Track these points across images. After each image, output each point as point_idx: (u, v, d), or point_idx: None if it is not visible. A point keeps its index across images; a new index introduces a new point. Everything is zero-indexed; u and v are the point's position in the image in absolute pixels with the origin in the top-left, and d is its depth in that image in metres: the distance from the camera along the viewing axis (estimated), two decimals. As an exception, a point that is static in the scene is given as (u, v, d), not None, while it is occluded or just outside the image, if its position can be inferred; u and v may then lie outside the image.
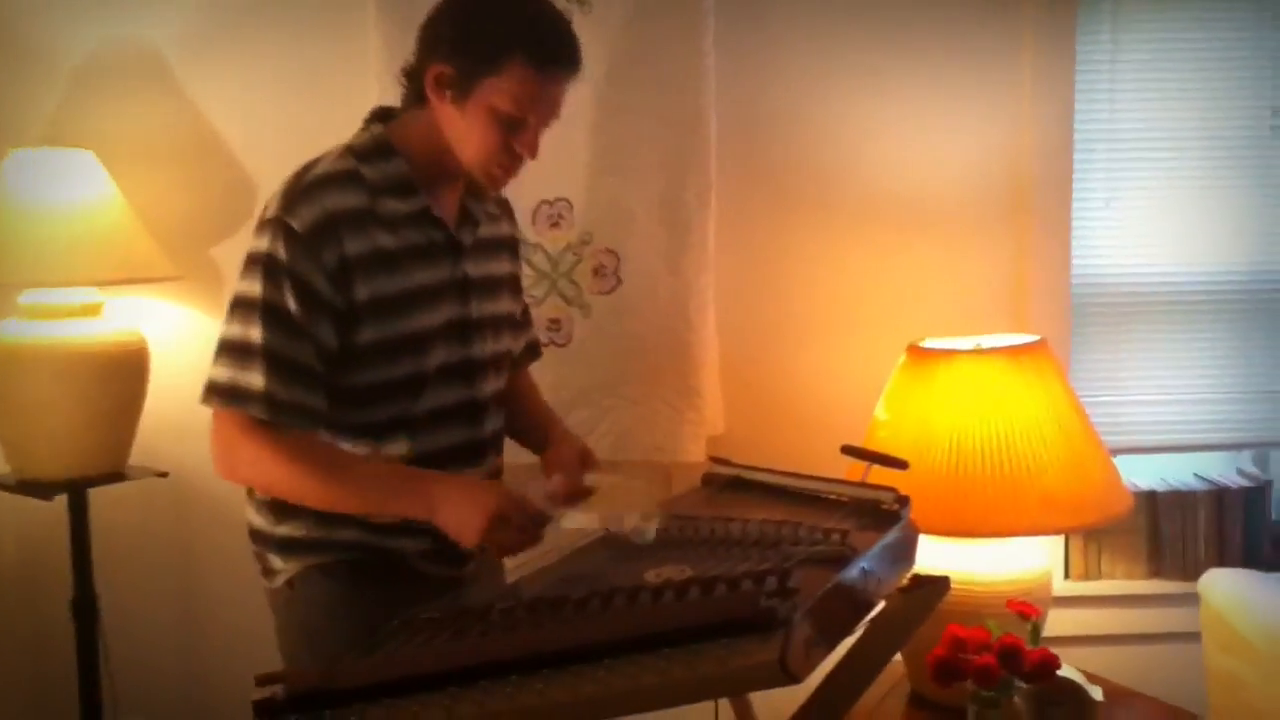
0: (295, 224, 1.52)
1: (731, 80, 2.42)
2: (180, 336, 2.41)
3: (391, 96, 2.26)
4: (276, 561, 1.69)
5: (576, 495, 1.68)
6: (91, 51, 2.37)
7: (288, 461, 1.55)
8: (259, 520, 1.71)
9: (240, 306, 1.56)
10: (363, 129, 1.68)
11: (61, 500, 2.18)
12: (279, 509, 1.67)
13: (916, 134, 2.50)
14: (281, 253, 1.52)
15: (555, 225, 2.39)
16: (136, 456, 2.26)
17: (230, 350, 1.55)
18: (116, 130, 2.35)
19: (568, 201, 2.38)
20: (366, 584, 1.64)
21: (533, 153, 1.63)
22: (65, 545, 2.22)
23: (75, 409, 2.12)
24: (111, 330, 2.20)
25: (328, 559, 1.66)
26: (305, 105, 2.39)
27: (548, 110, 1.62)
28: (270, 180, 2.35)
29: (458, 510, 1.53)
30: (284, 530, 1.67)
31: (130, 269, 2.20)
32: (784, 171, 2.49)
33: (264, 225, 1.56)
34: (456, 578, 1.70)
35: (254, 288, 1.54)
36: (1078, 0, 2.49)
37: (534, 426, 1.88)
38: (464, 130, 1.59)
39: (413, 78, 1.64)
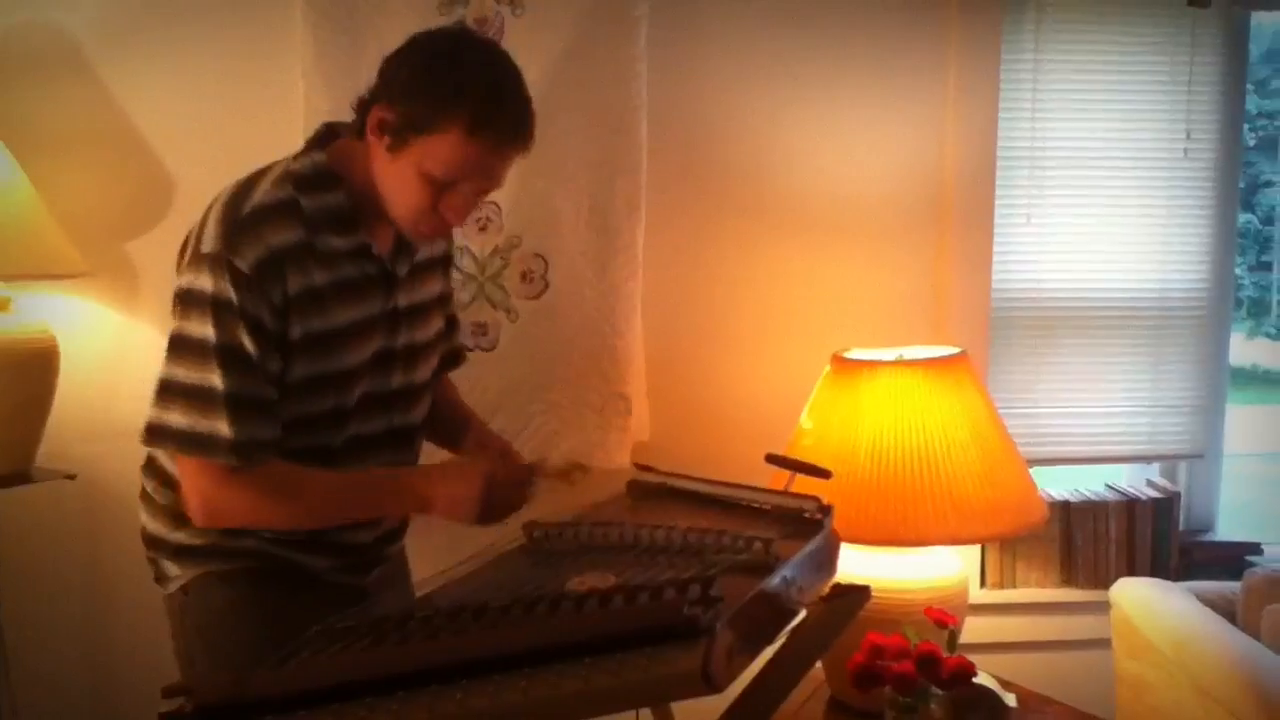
0: (240, 264, 1.46)
1: (663, 86, 2.42)
2: (91, 334, 2.34)
3: (319, 96, 2.27)
4: (171, 568, 1.65)
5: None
6: (2, 36, 2.28)
7: (269, 496, 1.54)
8: (154, 525, 1.66)
9: (190, 349, 1.49)
10: (304, 151, 1.60)
11: (-38, 501, 2.11)
12: (175, 515, 1.62)
13: (844, 144, 2.52)
14: (230, 294, 1.46)
15: (483, 229, 2.37)
16: (43, 457, 2.19)
17: (185, 394, 1.49)
18: (27, 118, 2.27)
19: (496, 205, 2.36)
20: (265, 591, 1.61)
21: (459, 219, 1.58)
22: (-35, 548, 2.14)
23: (-22, 407, 2.05)
24: (19, 326, 2.12)
25: (226, 566, 1.62)
26: (227, 99, 2.34)
27: (485, 180, 1.56)
28: (188, 176, 2.33)
29: (451, 493, 1.55)
30: (180, 537, 1.63)
31: (39, 264, 2.12)
32: (713, 178, 2.50)
33: (203, 260, 1.48)
34: (360, 586, 1.67)
35: (205, 330, 1.47)
36: (1002, 20, 2.54)
37: (451, 424, 1.85)
38: (393, 181, 1.54)
39: (360, 110, 1.57)
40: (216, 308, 1.47)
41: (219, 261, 1.46)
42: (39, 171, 2.19)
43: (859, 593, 1.57)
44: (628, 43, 2.36)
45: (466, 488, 1.54)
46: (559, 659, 1.15)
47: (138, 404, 2.27)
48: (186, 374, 1.49)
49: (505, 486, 1.57)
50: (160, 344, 2.26)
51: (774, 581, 1.37)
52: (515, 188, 2.34)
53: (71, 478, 2.20)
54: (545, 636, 1.17)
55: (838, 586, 1.58)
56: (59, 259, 2.14)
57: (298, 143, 2.12)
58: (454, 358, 1.93)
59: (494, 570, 1.55)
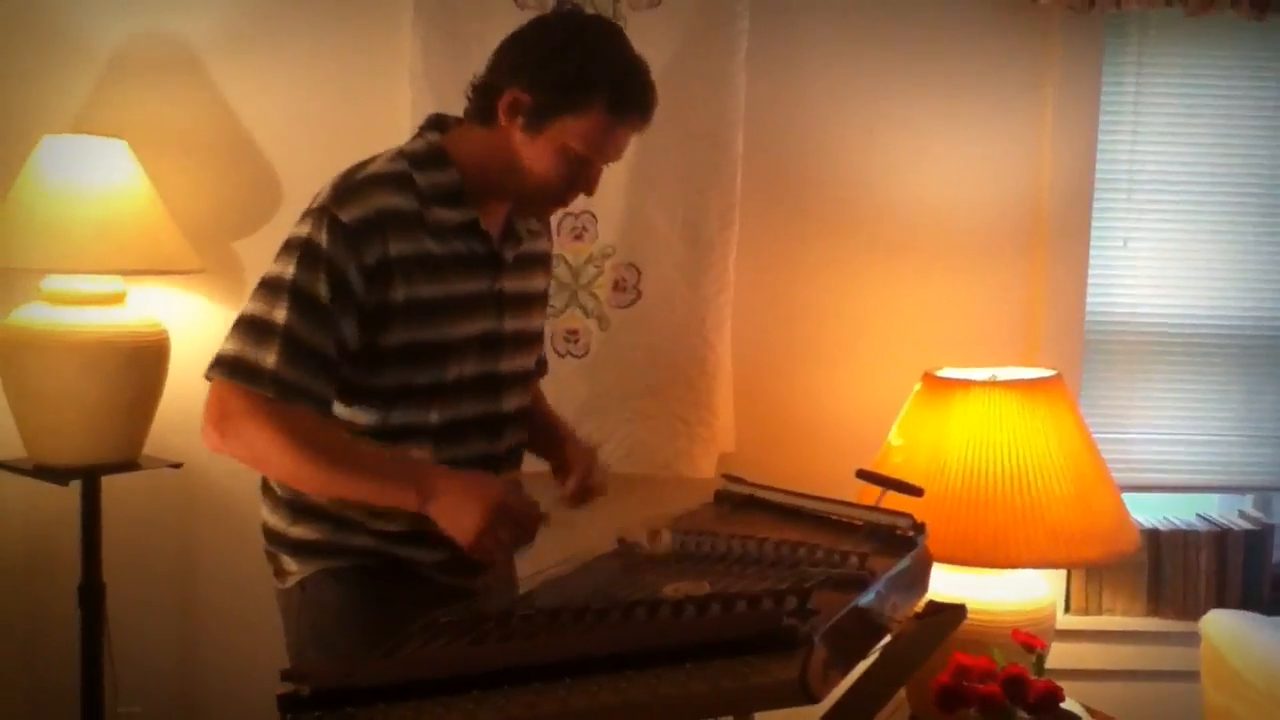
0: (343, 216, 1.51)
1: (760, 101, 2.44)
2: (200, 329, 2.41)
3: (426, 101, 2.33)
4: (289, 563, 1.68)
5: (587, 496, 1.70)
6: (126, 42, 2.39)
7: (284, 439, 1.49)
8: (274, 520, 1.70)
9: (268, 286, 1.53)
10: (417, 135, 1.67)
11: (73, 486, 2.19)
12: (296, 510, 1.66)
13: (940, 162, 2.52)
14: (323, 241, 1.50)
15: (578, 237, 2.41)
16: (151, 447, 2.27)
17: (248, 325, 1.52)
18: (147, 121, 2.36)
19: (592, 214, 2.40)
20: (377, 590, 1.63)
21: (591, 191, 1.66)
22: (74, 531, 2.23)
23: (93, 397, 2.13)
24: (133, 319, 2.21)
25: (340, 563, 1.65)
26: (335, 104, 2.41)
27: (615, 153, 1.64)
28: (296, 178, 2.41)
29: (454, 506, 1.50)
30: (298, 532, 1.66)
31: (155, 260, 2.21)
32: (807, 194, 2.51)
33: (309, 212, 1.54)
34: (469, 588, 1.69)
35: (287, 269, 1.51)
36: (1103, 40, 2.52)
37: (543, 432, 1.86)
38: (530, 159, 1.59)
39: (483, 94, 1.62)
40: (305, 251, 1.51)
41: (323, 212, 1.52)
42: (157, 172, 2.28)
43: (955, 611, 1.57)
44: (727, 57, 2.39)
45: (469, 512, 1.49)
46: (656, 663, 1.17)
47: None
48: (255, 308, 1.53)
49: (507, 526, 1.51)
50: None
51: (868, 597, 1.38)
52: (611, 199, 2.38)
53: (177, 467, 2.29)
54: (644, 640, 1.19)
55: (933, 604, 1.58)
56: (175, 256, 2.23)
57: (403, 147, 2.21)
58: (541, 365, 1.95)
59: (587, 574, 1.57)
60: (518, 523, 1.53)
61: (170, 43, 2.39)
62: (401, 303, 1.55)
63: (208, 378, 1.54)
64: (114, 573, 2.28)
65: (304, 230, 1.53)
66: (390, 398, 1.60)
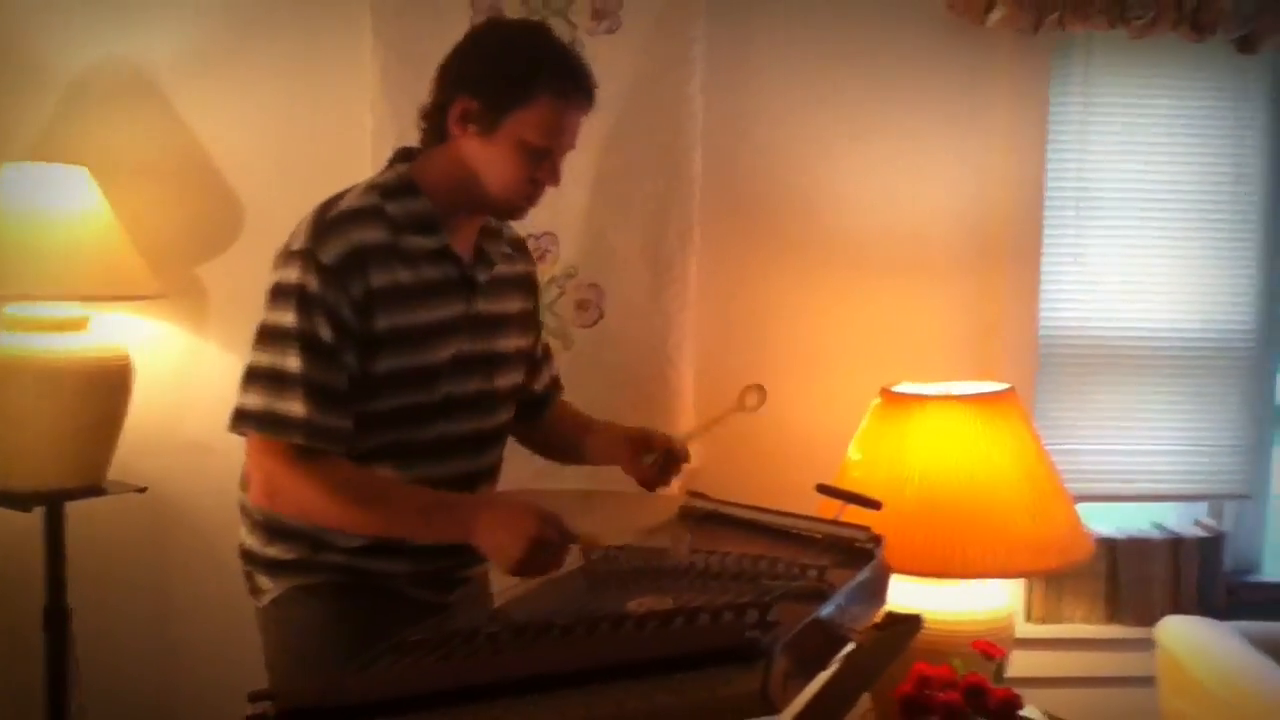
0: (324, 257, 1.57)
1: (718, 123, 2.48)
2: (163, 353, 2.42)
3: (386, 126, 2.35)
4: (264, 581, 1.72)
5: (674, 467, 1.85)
6: (87, 68, 2.39)
7: (329, 491, 1.58)
8: (251, 541, 1.74)
9: (272, 336, 1.59)
10: (387, 168, 1.73)
11: (38, 511, 2.18)
12: (271, 531, 1.70)
13: (894, 182, 2.57)
14: (313, 285, 1.56)
15: (541, 259, 2.43)
16: (115, 471, 2.27)
17: (264, 378, 1.58)
18: (108, 147, 2.37)
19: (554, 235, 2.42)
20: (350, 606, 1.67)
21: (556, 180, 1.71)
22: (40, 556, 2.21)
23: (57, 422, 2.13)
24: (96, 345, 2.21)
25: (313, 580, 1.69)
26: (296, 129, 2.43)
27: (569, 139, 1.70)
28: (258, 202, 2.42)
29: (496, 536, 1.56)
30: (273, 551, 1.70)
31: (117, 286, 2.22)
32: (765, 213, 2.55)
33: (291, 257, 1.59)
34: (442, 604, 1.73)
35: (286, 318, 1.57)
36: (1051, 61, 2.58)
37: (573, 435, 1.95)
38: (490, 162, 1.65)
39: (431, 116, 1.69)
40: (300, 298, 1.57)
41: (306, 255, 1.57)
42: (119, 198, 2.28)
43: (911, 622, 1.60)
44: (684, 80, 2.43)
45: (512, 542, 1.55)
46: (621, 677, 1.19)
47: (205, 420, 2.40)
48: (267, 359, 1.59)
49: (547, 550, 1.57)
50: (228, 362, 2.39)
51: (828, 609, 1.41)
52: (572, 220, 2.41)
53: (142, 491, 2.28)
54: (609, 654, 1.21)
55: (890, 615, 1.61)
56: (136, 281, 2.23)
57: (364, 171, 2.21)
58: (556, 383, 2.02)
59: (552, 590, 1.59)
60: (554, 550, 1.58)
61: (130, 68, 2.40)
62: (385, 331, 1.62)
63: (238, 432, 1.61)
64: (80, 598, 2.27)
65: (291, 276, 1.58)
66: (382, 421, 1.65)
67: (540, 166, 1.67)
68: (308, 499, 1.59)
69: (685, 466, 1.89)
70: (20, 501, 2.15)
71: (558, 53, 1.67)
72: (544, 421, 1.95)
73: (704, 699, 1.17)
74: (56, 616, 2.22)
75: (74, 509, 2.23)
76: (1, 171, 2.18)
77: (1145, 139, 2.65)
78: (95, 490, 2.22)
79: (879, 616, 1.60)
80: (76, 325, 2.20)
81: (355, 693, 1.21)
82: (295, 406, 1.56)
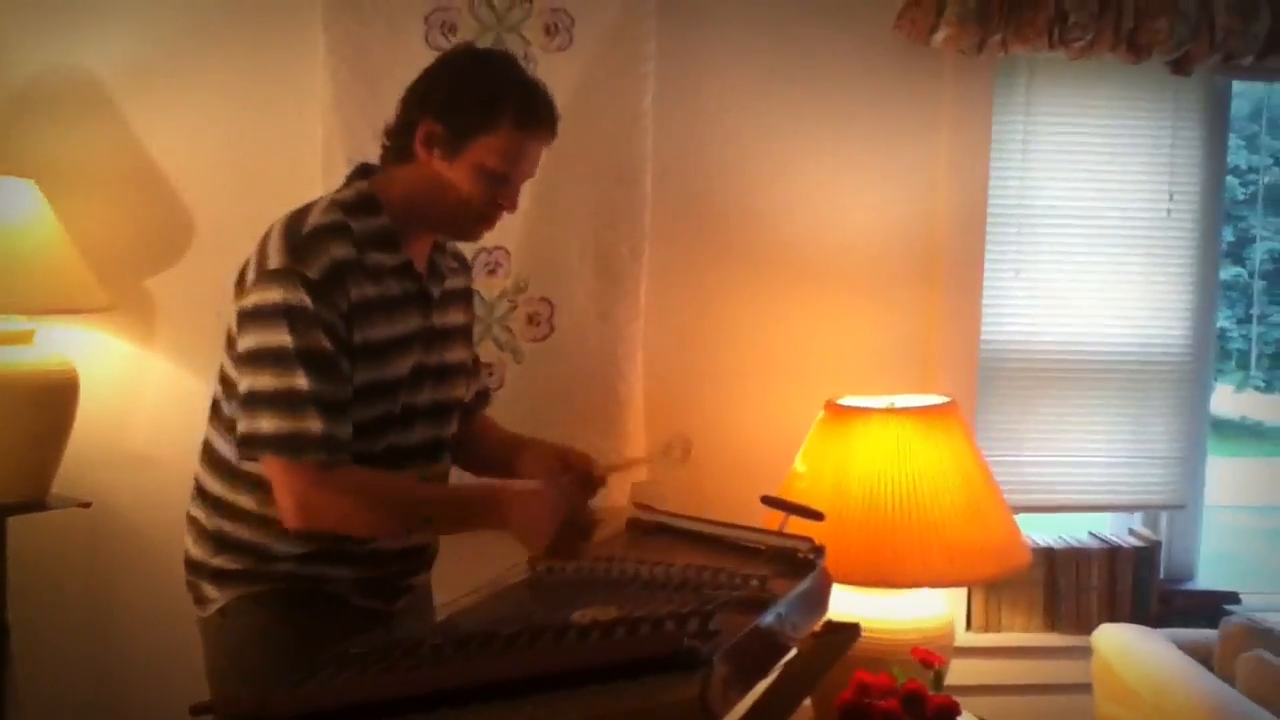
0: (310, 273, 1.59)
1: (668, 139, 2.51)
2: (109, 366, 2.40)
3: (337, 137, 2.36)
4: (210, 590, 1.72)
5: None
6: (33, 77, 2.37)
7: (365, 500, 1.63)
8: (197, 551, 1.74)
9: (269, 358, 1.59)
10: (346, 184, 1.75)
11: (-21, 526, 2.16)
12: (219, 542, 1.71)
13: (841, 198, 2.61)
14: (305, 300, 1.58)
15: (492, 272, 2.45)
16: (59, 485, 2.25)
17: (273, 402, 1.58)
18: (55, 157, 2.34)
19: (505, 250, 2.44)
20: (296, 614, 1.68)
21: (513, 206, 1.76)
22: (-20, 571, 2.19)
23: (1, 435, 2.11)
24: (41, 358, 2.19)
25: (259, 589, 1.70)
26: (247, 140, 2.42)
27: (529, 167, 1.75)
28: (208, 214, 2.41)
29: (529, 516, 1.64)
30: (219, 561, 1.71)
31: (63, 299, 2.20)
32: (715, 227, 2.58)
33: (273, 275, 1.59)
34: (387, 612, 1.74)
35: (281, 338, 1.58)
36: (993, 81, 2.64)
37: (503, 450, 1.96)
38: (451, 185, 1.69)
39: (396, 135, 1.72)
40: (291, 315, 1.58)
41: (289, 273, 1.59)
42: (64, 208, 2.26)
43: (849, 630, 1.64)
44: (636, 97, 2.46)
45: (543, 519, 1.64)
46: (563, 686, 1.21)
47: (152, 433, 2.39)
48: (270, 382, 1.59)
49: (577, 529, 1.66)
50: (175, 376, 2.38)
51: (768, 618, 1.43)
52: (523, 234, 2.43)
53: (87, 505, 2.27)
54: (550, 664, 1.23)
55: (829, 624, 1.65)
56: (82, 294, 2.22)
57: (314, 182, 2.24)
58: (483, 397, 2.05)
59: (498, 602, 1.61)
60: (580, 530, 1.68)
61: (79, 77, 2.38)
62: (359, 346, 1.65)
63: (251, 458, 1.62)
64: (20, 614, 2.24)
65: (274, 296, 1.59)
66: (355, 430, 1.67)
67: (500, 191, 1.72)
68: (346, 513, 1.62)
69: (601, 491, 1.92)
70: (-38, 515, 2.13)
71: (523, 84, 1.71)
72: (469, 433, 1.96)
73: (643, 706, 1.19)
74: (-3, 633, 2.20)
75: (16, 524, 2.20)
76: (-55, 183, 2.16)
77: (1084, 157, 2.72)
78: (38, 505, 2.20)
79: (819, 625, 1.63)
80: (22, 339, 2.19)
81: (298, 703, 1.22)
82: (311, 424, 1.57)
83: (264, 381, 1.59)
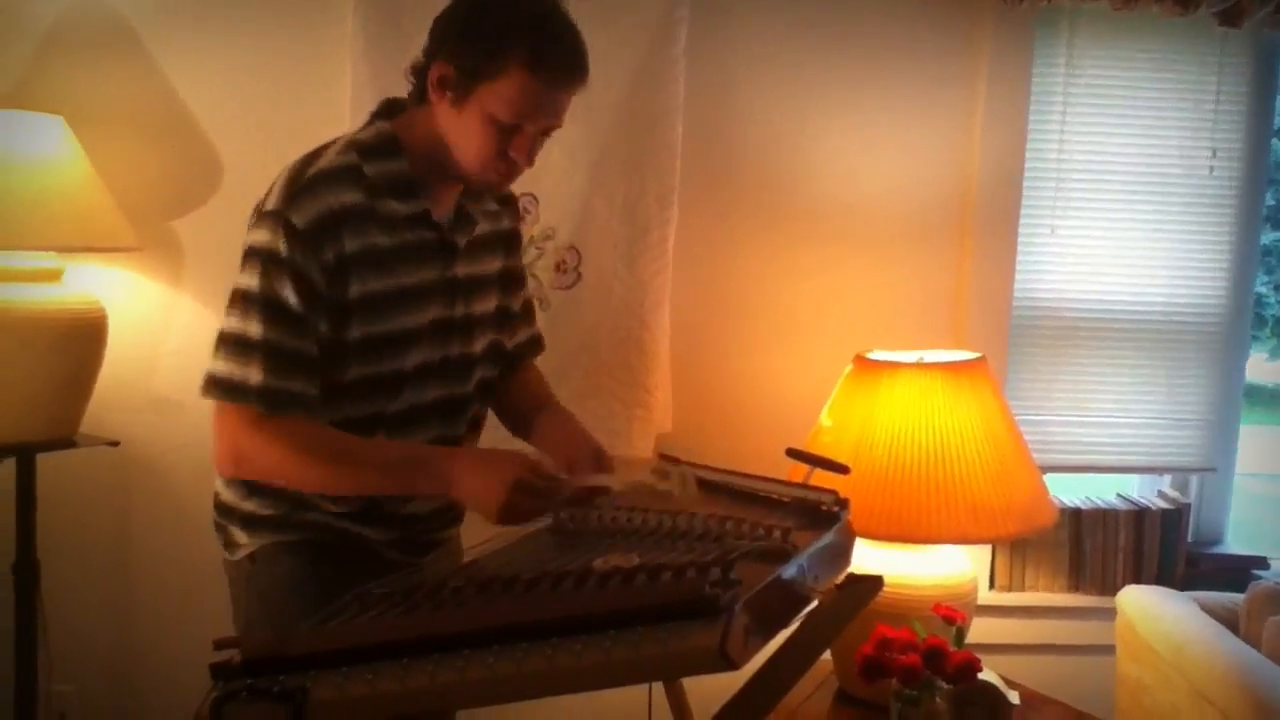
0: (296, 220, 1.52)
1: (699, 89, 2.48)
2: (137, 307, 2.42)
3: (366, 82, 2.34)
4: (240, 535, 1.70)
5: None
6: (65, 14, 2.36)
7: (296, 452, 1.54)
8: (228, 494, 1.71)
9: (239, 300, 1.55)
10: (368, 123, 1.67)
11: (7, 464, 2.18)
12: (248, 485, 1.67)
13: (873, 151, 2.58)
14: (282, 248, 1.52)
15: (520, 219, 2.41)
16: (88, 424, 2.26)
17: (229, 343, 1.55)
18: (86, 96, 2.35)
19: (534, 196, 2.42)
20: (327, 564, 1.65)
21: (529, 160, 1.62)
22: (9, 509, 2.22)
23: (30, 373, 2.12)
24: (70, 296, 2.20)
25: (292, 537, 1.67)
26: (277, 85, 2.41)
27: (548, 118, 1.60)
28: (236, 157, 2.41)
29: (477, 483, 1.53)
30: (250, 506, 1.68)
31: (92, 237, 2.20)
32: (745, 179, 2.55)
33: (263, 218, 1.55)
34: (417, 566, 1.72)
35: (252, 281, 1.54)
36: (1034, 32, 2.58)
37: (529, 412, 1.84)
38: (460, 133, 1.58)
39: (419, 75, 1.63)
40: (265, 260, 1.53)
41: (277, 218, 1.53)
42: (96, 149, 2.27)
43: (871, 582, 1.63)
44: (668, 44, 2.43)
45: (492, 487, 1.51)
46: (583, 631, 1.21)
47: (179, 375, 2.40)
48: (232, 324, 1.55)
49: (530, 494, 1.53)
50: (203, 318, 2.39)
51: (790, 569, 1.43)
52: (553, 181, 2.41)
53: (115, 444, 2.28)
54: (571, 609, 1.23)
55: (851, 576, 1.64)
56: (112, 233, 2.22)
57: (343, 126, 2.22)
58: (534, 343, 1.95)
59: (520, 548, 1.61)
60: (538, 493, 1.53)
61: (110, 15, 2.37)
62: (356, 299, 1.57)
63: (206, 396, 1.57)
64: (49, 551, 2.27)
65: (262, 238, 1.54)
66: (354, 390, 1.61)
67: (511, 143, 1.58)
68: (273, 462, 1.56)
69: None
70: (-9, 452, 2.15)
71: (538, 25, 1.54)
72: (507, 384, 1.88)
73: (661, 653, 1.18)
74: (26, 570, 2.23)
75: (45, 462, 2.23)
76: (-25, 119, 2.16)
77: (1126, 112, 2.66)
78: (67, 443, 2.21)
79: (841, 578, 1.62)
80: (50, 276, 2.19)
81: (318, 642, 1.22)
82: (252, 373, 1.52)
83: (229, 323, 1.56)
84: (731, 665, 1.18)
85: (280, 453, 1.55)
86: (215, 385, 1.55)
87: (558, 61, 1.56)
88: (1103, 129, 2.66)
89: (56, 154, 2.18)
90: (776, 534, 1.49)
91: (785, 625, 1.45)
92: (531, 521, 1.59)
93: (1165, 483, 2.85)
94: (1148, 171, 2.68)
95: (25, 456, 2.19)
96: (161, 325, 2.43)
